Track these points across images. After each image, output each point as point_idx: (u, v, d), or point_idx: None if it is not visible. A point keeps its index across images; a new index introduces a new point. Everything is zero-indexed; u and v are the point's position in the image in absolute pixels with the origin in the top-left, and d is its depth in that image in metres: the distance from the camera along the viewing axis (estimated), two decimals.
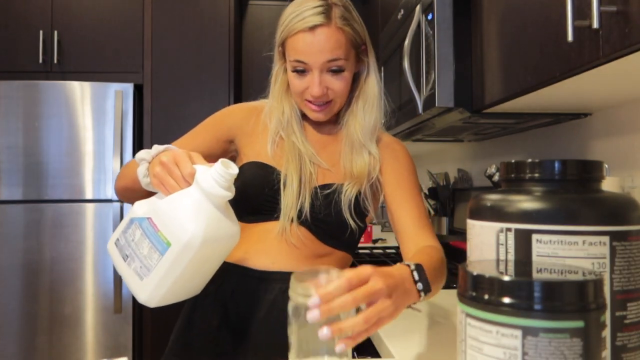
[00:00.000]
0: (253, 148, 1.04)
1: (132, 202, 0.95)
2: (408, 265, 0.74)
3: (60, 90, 2.54)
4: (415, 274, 0.73)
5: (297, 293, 0.62)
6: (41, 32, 2.68)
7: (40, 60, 2.67)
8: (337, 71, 0.95)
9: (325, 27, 0.93)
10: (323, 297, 0.58)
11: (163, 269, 0.76)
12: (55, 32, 2.69)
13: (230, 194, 0.78)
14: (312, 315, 0.58)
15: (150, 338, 2.68)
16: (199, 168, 0.78)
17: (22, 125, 2.51)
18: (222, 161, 0.77)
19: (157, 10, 2.77)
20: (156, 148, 0.85)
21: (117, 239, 0.83)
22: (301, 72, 0.96)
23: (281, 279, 0.97)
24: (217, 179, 0.76)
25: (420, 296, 0.74)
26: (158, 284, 0.77)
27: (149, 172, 0.84)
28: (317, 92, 0.95)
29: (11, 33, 2.69)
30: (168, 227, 0.76)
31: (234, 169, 0.77)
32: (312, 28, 0.92)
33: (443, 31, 1.20)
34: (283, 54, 1.01)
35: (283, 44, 0.99)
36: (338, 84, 0.96)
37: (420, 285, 0.73)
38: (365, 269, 0.64)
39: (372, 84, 1.03)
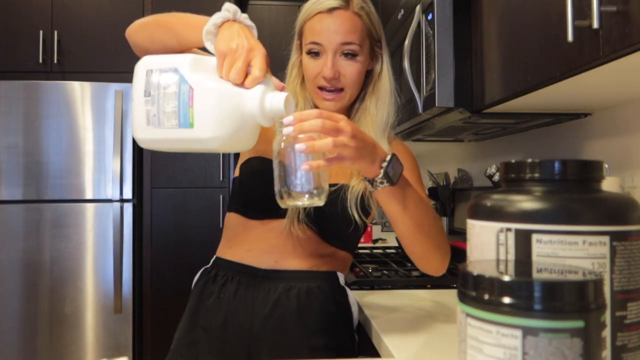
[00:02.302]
0: (261, 141, 1.04)
1: (143, 44, 0.95)
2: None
3: (60, 90, 2.54)
4: (389, 157, 0.78)
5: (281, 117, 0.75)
6: (41, 32, 2.68)
7: (40, 60, 2.67)
8: (351, 56, 0.97)
9: (342, 10, 0.96)
10: (296, 117, 0.71)
11: (170, 136, 0.75)
12: (55, 32, 2.69)
13: (268, 125, 0.78)
14: (287, 129, 0.71)
15: (150, 338, 2.68)
16: (262, 84, 0.75)
17: (22, 125, 2.51)
18: (287, 96, 0.75)
19: (157, 10, 2.76)
20: (245, 16, 0.81)
21: (152, 70, 0.77)
22: (315, 54, 0.98)
23: (285, 278, 0.97)
24: (275, 108, 0.74)
25: (380, 172, 0.77)
26: (158, 139, 0.77)
27: (218, 31, 0.79)
28: (329, 74, 0.96)
29: (11, 33, 2.70)
30: (202, 113, 0.73)
31: (291, 109, 0.76)
32: (331, 10, 0.95)
33: (443, 31, 1.20)
34: (300, 47, 1.03)
35: (301, 32, 1.01)
36: (350, 70, 0.97)
37: (384, 165, 0.78)
38: (341, 115, 0.74)
39: (385, 80, 1.04)
